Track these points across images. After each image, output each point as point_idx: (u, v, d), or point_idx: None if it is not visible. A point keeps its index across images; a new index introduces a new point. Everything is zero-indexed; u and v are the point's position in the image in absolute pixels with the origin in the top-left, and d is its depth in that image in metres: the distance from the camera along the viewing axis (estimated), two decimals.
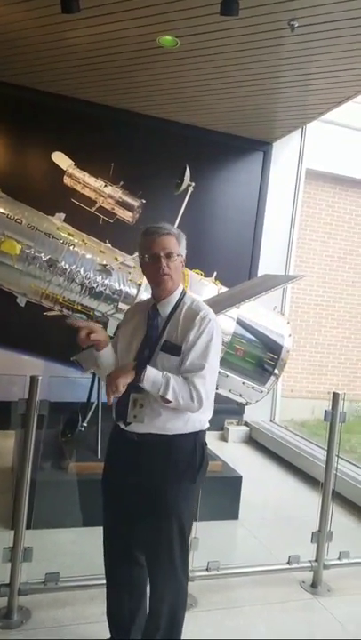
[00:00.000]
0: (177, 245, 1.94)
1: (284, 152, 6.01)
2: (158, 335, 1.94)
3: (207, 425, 2.01)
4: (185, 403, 1.83)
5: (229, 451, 5.35)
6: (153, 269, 1.93)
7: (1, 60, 4.48)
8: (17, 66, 4.56)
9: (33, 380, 2.44)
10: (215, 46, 3.91)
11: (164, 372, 1.83)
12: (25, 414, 2.44)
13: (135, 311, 2.14)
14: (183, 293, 2.01)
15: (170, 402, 1.82)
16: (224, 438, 5.83)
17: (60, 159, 4.89)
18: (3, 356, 4.96)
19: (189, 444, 1.93)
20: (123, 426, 1.94)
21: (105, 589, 2.11)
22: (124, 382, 1.83)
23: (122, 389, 1.83)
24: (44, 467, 3.53)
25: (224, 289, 4.16)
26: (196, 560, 2.68)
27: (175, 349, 1.90)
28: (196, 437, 1.95)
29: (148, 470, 1.90)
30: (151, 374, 1.82)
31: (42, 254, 3.54)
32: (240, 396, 4.19)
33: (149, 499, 1.90)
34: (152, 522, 1.92)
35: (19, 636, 2.31)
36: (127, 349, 1.99)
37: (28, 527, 2.52)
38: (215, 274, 4.16)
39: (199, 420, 1.95)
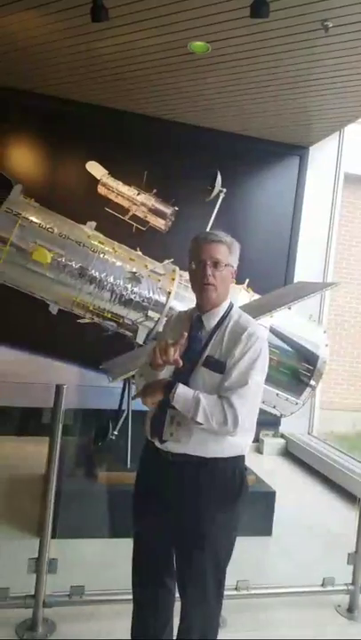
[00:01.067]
0: (227, 255, 1.82)
1: (322, 156, 5.86)
2: (201, 349, 1.81)
3: (246, 451, 1.85)
4: (218, 426, 1.68)
5: (264, 463, 5.22)
6: (197, 277, 1.82)
7: (34, 73, 4.58)
8: (49, 77, 4.65)
9: (58, 388, 2.42)
10: (247, 50, 3.85)
11: (195, 393, 1.70)
12: (50, 423, 2.42)
13: (178, 320, 1.99)
14: (231, 306, 1.88)
15: (201, 424, 1.69)
16: (259, 450, 5.68)
17: (95, 168, 4.94)
18: (39, 364, 5.02)
19: (228, 470, 1.78)
20: (157, 444, 1.82)
21: (130, 606, 2.03)
22: (152, 401, 1.76)
23: (152, 406, 1.75)
24: (76, 474, 3.53)
25: (256, 297, 4.06)
26: (226, 578, 2.59)
27: (218, 366, 1.76)
28: (236, 462, 1.80)
29: (182, 495, 1.77)
30: (181, 394, 1.69)
31: (72, 262, 3.56)
32: (274, 407, 4.06)
33: (183, 526, 1.77)
34: (185, 551, 1.79)
35: None
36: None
37: (54, 537, 2.49)
38: (247, 281, 4.06)
39: (239, 444, 1.80)
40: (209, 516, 1.74)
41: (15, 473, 4.20)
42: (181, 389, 1.70)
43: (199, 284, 1.82)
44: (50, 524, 2.40)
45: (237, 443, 1.79)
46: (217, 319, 1.84)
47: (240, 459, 1.83)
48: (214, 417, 1.67)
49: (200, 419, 1.67)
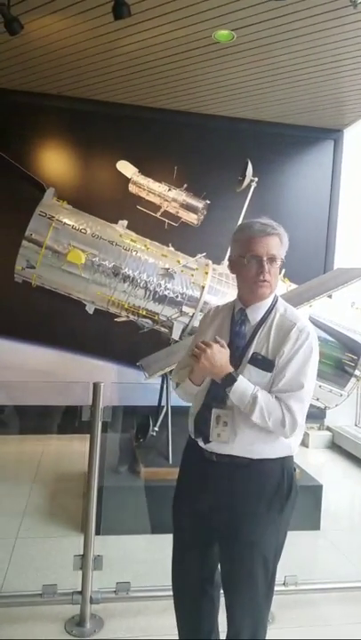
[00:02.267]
0: (280, 248, 1.71)
1: (358, 138, 5.66)
2: (245, 345, 1.71)
3: (295, 451, 1.77)
4: (274, 427, 1.62)
5: (310, 457, 5.11)
6: (251, 273, 1.68)
7: (62, 76, 4.63)
8: (76, 79, 4.69)
9: (96, 386, 2.43)
10: (273, 35, 3.75)
11: (255, 388, 1.62)
12: (89, 421, 2.44)
13: (217, 313, 1.88)
14: (276, 299, 1.76)
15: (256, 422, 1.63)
16: (305, 444, 5.55)
17: (125, 168, 4.96)
18: (79, 363, 5.11)
19: (276, 470, 1.70)
20: (202, 444, 1.75)
21: None
22: (199, 380, 1.70)
23: (205, 358, 1.62)
24: (119, 471, 3.56)
25: (294, 287, 3.96)
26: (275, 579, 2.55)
27: (266, 364, 1.66)
28: (283, 463, 1.72)
29: (228, 496, 1.70)
30: (240, 386, 1.62)
31: (106, 262, 3.58)
32: (317, 399, 3.96)
33: (230, 528, 1.70)
34: (234, 554, 1.71)
35: None
36: None
37: (98, 533, 2.52)
38: (283, 271, 3.97)
39: (288, 445, 1.71)
40: (257, 518, 1.68)
41: (59, 471, 4.30)
42: (241, 383, 1.62)
43: (253, 280, 1.68)
44: (93, 520, 2.42)
45: (286, 443, 1.71)
46: (262, 312, 1.72)
47: (289, 459, 1.75)
48: (271, 418, 1.61)
49: (256, 417, 1.61)
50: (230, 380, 1.62)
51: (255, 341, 1.70)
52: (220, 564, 1.79)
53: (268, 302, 1.74)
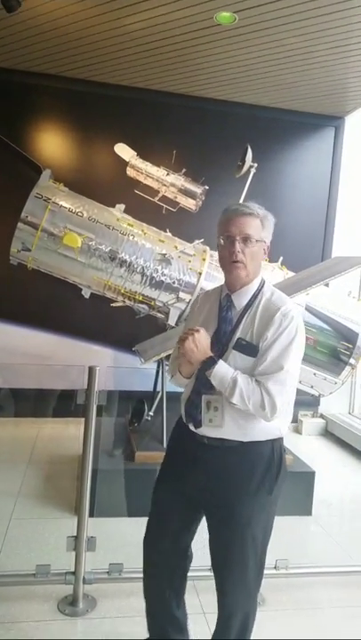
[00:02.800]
0: (260, 229, 1.70)
1: (359, 126, 5.60)
2: (231, 330, 1.72)
3: (285, 432, 1.79)
4: (254, 409, 1.63)
5: (304, 444, 5.15)
6: (225, 253, 1.71)
7: (61, 55, 4.55)
8: (76, 59, 4.61)
9: (91, 370, 2.43)
10: (275, 17, 3.69)
11: (234, 373, 1.64)
12: (84, 404, 2.45)
13: (206, 299, 1.90)
14: (262, 284, 1.76)
15: (236, 404, 1.64)
16: (298, 431, 5.61)
17: (123, 151, 4.90)
18: (75, 347, 5.11)
19: (266, 452, 1.72)
20: (192, 428, 1.77)
21: None
22: (186, 373, 1.74)
23: (191, 341, 1.64)
24: (114, 454, 3.58)
25: (291, 274, 3.96)
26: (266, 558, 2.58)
27: (250, 349, 1.67)
28: (273, 444, 1.74)
29: (219, 478, 1.72)
30: (220, 371, 1.64)
31: (103, 246, 3.56)
32: (312, 387, 3.98)
33: (220, 509, 1.73)
34: (223, 535, 1.73)
35: (85, 624, 2.33)
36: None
37: (92, 515, 2.54)
38: (281, 259, 3.96)
39: (277, 427, 1.74)
40: (247, 499, 1.70)
41: (54, 454, 4.32)
42: (221, 367, 1.64)
43: (227, 261, 1.71)
44: (87, 502, 2.44)
45: (275, 425, 1.73)
46: (248, 298, 1.73)
47: (278, 441, 1.77)
48: (251, 400, 1.62)
49: (236, 400, 1.62)
50: (210, 363, 1.64)
51: (241, 327, 1.71)
52: (210, 545, 1.81)
53: (253, 287, 1.75)
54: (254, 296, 1.74)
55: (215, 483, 1.73)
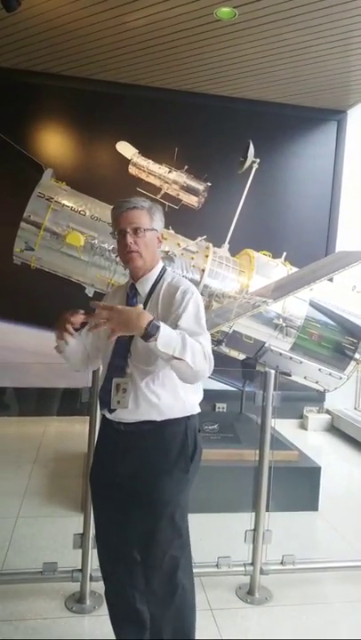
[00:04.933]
0: (148, 219, 1.78)
1: None
2: None
3: (198, 409, 1.84)
4: (199, 363, 1.60)
5: (309, 440, 5.14)
6: (121, 246, 1.79)
7: (62, 54, 4.56)
8: (77, 58, 4.62)
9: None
10: (276, 12, 3.68)
11: (179, 330, 1.62)
12: (88, 402, 2.45)
13: (116, 291, 2.02)
14: (163, 270, 1.86)
15: (181, 359, 1.57)
16: (303, 427, 5.60)
17: (125, 148, 4.90)
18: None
19: (180, 430, 1.77)
20: (107, 414, 1.81)
21: None
22: (122, 332, 1.62)
23: (115, 312, 1.56)
24: None
25: (295, 270, 3.94)
26: (271, 553, 2.58)
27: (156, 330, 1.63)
28: (188, 422, 1.79)
29: (135, 460, 1.76)
30: (165, 333, 1.56)
31: (105, 244, 3.56)
32: (317, 382, 3.98)
33: (138, 491, 1.76)
34: (141, 515, 1.75)
35: (91, 620, 2.34)
36: (106, 333, 1.69)
37: None
38: (285, 254, 3.95)
39: (190, 402, 1.79)
40: (165, 478, 1.73)
41: (60, 452, 4.33)
42: (164, 330, 1.56)
43: (123, 252, 1.79)
44: (90, 500, 2.44)
45: (188, 400, 1.78)
46: (150, 284, 1.82)
47: (192, 419, 1.81)
48: (197, 356, 1.59)
49: (187, 357, 1.57)
50: (154, 327, 1.54)
51: (146, 310, 1.69)
52: (129, 532, 1.81)
53: (154, 274, 1.83)
54: (156, 282, 1.82)
55: (134, 468, 1.76)
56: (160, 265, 1.87)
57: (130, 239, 1.75)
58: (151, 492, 1.74)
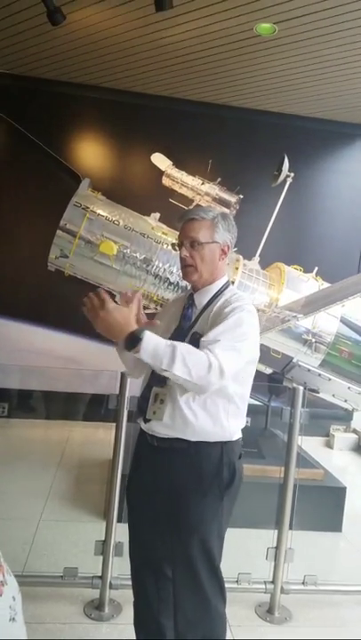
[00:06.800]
0: (208, 232, 1.70)
1: None
2: (190, 326, 1.74)
3: (239, 435, 1.73)
4: (197, 374, 1.50)
5: (335, 459, 5.05)
6: (179, 259, 1.75)
7: (101, 67, 4.67)
8: (116, 71, 4.72)
9: (123, 376, 2.46)
10: (315, 28, 3.69)
11: (170, 341, 1.54)
12: (116, 409, 2.47)
13: (175, 302, 1.97)
14: (226, 285, 1.78)
15: (173, 373, 1.50)
16: (330, 445, 5.50)
17: (159, 160, 4.95)
18: (107, 352, 5.10)
19: (215, 455, 1.67)
20: (142, 425, 1.75)
21: None
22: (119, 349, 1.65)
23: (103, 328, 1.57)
24: None
25: (326, 285, 3.90)
26: (292, 572, 2.54)
27: None
28: (225, 447, 1.69)
29: (167, 478, 1.70)
30: (150, 342, 1.49)
31: (137, 254, 3.60)
32: (345, 401, 3.91)
33: (168, 513, 1.70)
34: (171, 538, 1.70)
35: (110, 628, 2.34)
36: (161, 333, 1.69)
37: (120, 520, 2.54)
38: (316, 269, 3.92)
39: (228, 429, 1.68)
40: (195, 502, 1.66)
41: (84, 457, 4.37)
42: (150, 338, 1.49)
43: (181, 264, 1.75)
44: (115, 507, 2.45)
45: (226, 424, 1.67)
46: (208, 297, 1.76)
47: (230, 445, 1.70)
48: (195, 366, 1.50)
49: (178, 370, 1.49)
50: (135, 339, 1.50)
51: (198, 323, 1.73)
52: (167, 552, 1.75)
53: (215, 287, 1.77)
54: (215, 296, 1.76)
55: (164, 486, 1.70)
56: (224, 279, 1.79)
57: (185, 252, 1.72)
58: (182, 514, 1.68)
